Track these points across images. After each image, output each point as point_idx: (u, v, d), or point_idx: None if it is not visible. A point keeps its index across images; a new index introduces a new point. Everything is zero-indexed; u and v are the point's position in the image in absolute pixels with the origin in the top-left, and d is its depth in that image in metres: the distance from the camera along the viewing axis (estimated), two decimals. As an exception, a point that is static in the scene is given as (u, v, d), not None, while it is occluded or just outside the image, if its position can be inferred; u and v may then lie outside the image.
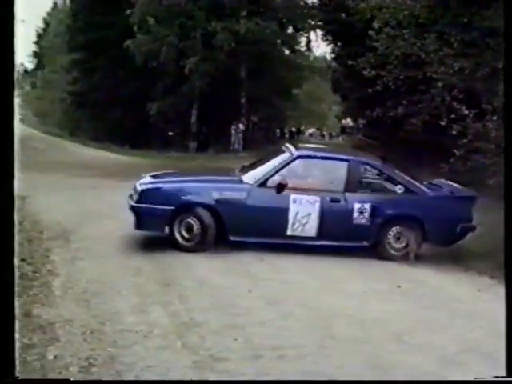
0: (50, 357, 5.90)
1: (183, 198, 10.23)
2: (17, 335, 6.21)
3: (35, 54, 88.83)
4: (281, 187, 10.16)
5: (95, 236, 11.11)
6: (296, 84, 40.58)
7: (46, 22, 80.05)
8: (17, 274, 8.25)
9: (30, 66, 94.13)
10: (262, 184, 10.30)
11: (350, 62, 17.12)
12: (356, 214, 10.25)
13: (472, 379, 5.28)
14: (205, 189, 10.33)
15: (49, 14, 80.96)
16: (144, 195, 10.25)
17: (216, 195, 10.15)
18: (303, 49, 40.54)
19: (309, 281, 8.85)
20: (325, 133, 57.61)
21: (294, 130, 52.00)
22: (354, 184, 10.49)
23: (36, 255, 9.69)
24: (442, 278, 9.59)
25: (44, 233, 11.36)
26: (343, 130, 46.76)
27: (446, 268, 10.11)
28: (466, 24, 14.13)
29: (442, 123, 12.91)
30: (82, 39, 42.37)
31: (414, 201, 10.58)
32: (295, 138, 50.31)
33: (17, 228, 10.98)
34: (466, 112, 12.32)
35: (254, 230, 10.17)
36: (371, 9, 15.43)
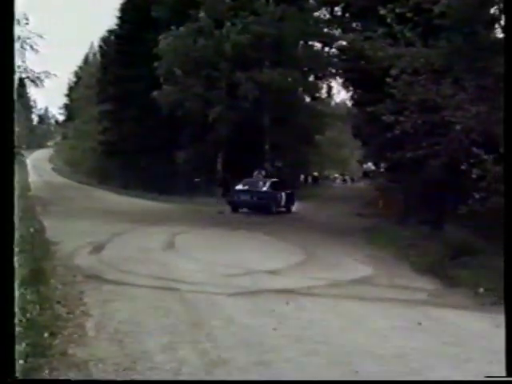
0: (84, 392, 6.01)
1: None
2: (54, 373, 6.37)
3: (66, 106, 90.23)
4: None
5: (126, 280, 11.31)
6: (318, 130, 40.78)
7: (78, 76, 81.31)
8: (52, 315, 8.43)
9: (61, 118, 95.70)
10: None
11: (369, 109, 17.24)
12: None
13: (472, 379, 5.24)
14: None
15: (80, 68, 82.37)
16: None
17: None
18: (324, 96, 40.90)
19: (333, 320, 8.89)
20: (346, 177, 57.58)
21: (316, 174, 52.02)
22: None
23: (69, 297, 9.84)
24: (459, 315, 9.59)
25: (76, 276, 11.53)
26: (365, 174, 46.70)
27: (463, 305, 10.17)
28: (480, 69, 14.14)
29: (463, 167, 12.78)
30: (111, 91, 43.25)
31: None
32: (317, 182, 50.37)
33: (51, 272, 11.16)
34: (485, 157, 12.24)
35: None
36: (389, 57, 15.53)
